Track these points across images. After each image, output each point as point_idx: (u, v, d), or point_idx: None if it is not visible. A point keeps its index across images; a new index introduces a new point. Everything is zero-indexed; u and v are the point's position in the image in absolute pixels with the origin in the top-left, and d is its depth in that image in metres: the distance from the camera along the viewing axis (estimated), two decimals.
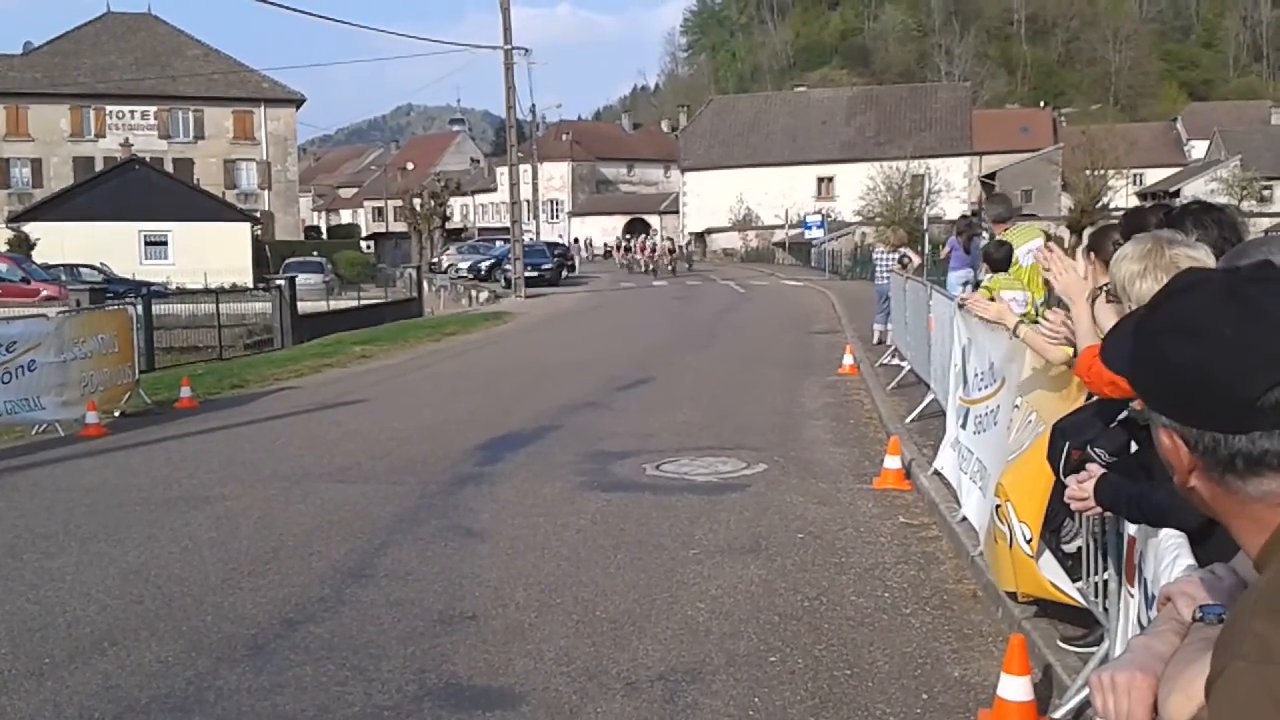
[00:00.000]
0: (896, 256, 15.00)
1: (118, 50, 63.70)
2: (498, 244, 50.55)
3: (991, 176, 70.79)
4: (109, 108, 62.51)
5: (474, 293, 38.36)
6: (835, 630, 5.32)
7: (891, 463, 8.29)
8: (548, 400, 13.20)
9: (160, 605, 5.95)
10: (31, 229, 46.09)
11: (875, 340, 17.17)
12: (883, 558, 6.50)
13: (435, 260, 51.96)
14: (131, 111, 62.98)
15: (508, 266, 38.63)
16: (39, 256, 42.18)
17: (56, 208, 49.23)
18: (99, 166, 57.33)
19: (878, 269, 17.51)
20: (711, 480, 8.71)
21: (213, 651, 5.24)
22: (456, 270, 47.47)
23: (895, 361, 13.97)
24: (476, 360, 18.59)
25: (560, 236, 72.13)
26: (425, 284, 39.49)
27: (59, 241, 43.46)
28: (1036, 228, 9.96)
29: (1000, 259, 8.47)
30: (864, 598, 5.79)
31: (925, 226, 37.56)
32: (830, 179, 72.94)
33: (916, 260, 11.94)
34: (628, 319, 27.03)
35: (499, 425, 11.41)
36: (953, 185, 61.33)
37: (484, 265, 46.34)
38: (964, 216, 12.30)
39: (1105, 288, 4.44)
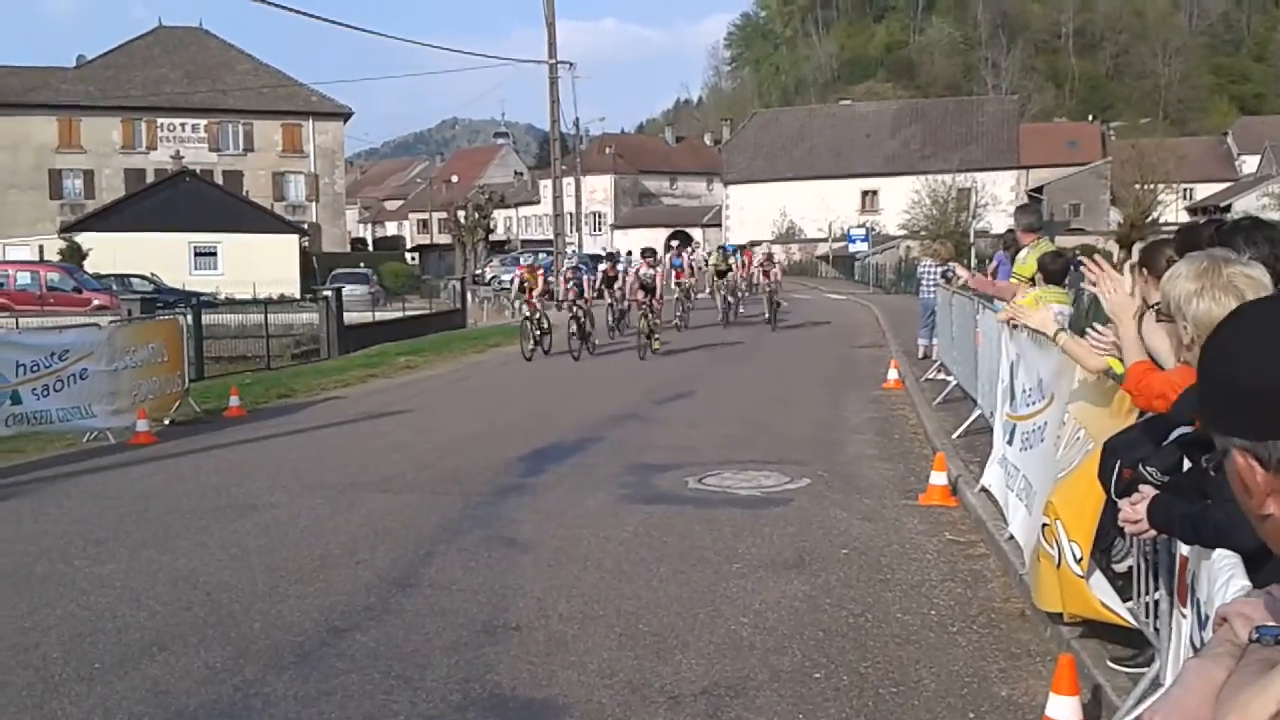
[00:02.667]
0: (943, 270, 14.90)
1: (169, 64, 64.77)
2: (540, 256, 50.79)
3: (1039, 190, 70.14)
4: (160, 120, 63.56)
5: (517, 304, 38.48)
6: (881, 647, 5.27)
7: (937, 479, 8.21)
8: (589, 412, 13.22)
9: (209, 612, 6.02)
10: (83, 239, 46.94)
11: (920, 355, 17.06)
12: (929, 575, 6.44)
13: (479, 272, 52.35)
14: (182, 124, 64.01)
15: (551, 279, 38.66)
16: (90, 266, 42.90)
17: (108, 218, 50.13)
18: (150, 178, 58.29)
19: (923, 283, 17.41)
20: (754, 494, 8.68)
21: (260, 659, 5.29)
22: (500, 282, 47.72)
23: (941, 376, 13.86)
24: (519, 372, 18.65)
25: (603, 249, 72.30)
26: (469, 296, 39.72)
27: (110, 252, 44.23)
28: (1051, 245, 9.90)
29: (1056, 271, 8.34)
30: (910, 615, 5.74)
31: (971, 240, 37.28)
32: (875, 192, 72.69)
33: (964, 275, 11.83)
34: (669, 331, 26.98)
35: (541, 436, 11.44)
36: (999, 199, 60.93)
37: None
38: (1011, 230, 12.18)
39: (1156, 305, 4.39)
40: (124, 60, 64.74)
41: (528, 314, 20.39)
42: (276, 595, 6.30)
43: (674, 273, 25.75)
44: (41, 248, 47.88)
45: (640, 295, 19.84)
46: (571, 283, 21.25)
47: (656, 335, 19.45)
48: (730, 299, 27.15)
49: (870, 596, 6.05)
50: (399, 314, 34.89)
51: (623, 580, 6.46)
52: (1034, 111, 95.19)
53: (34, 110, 60.84)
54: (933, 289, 16.35)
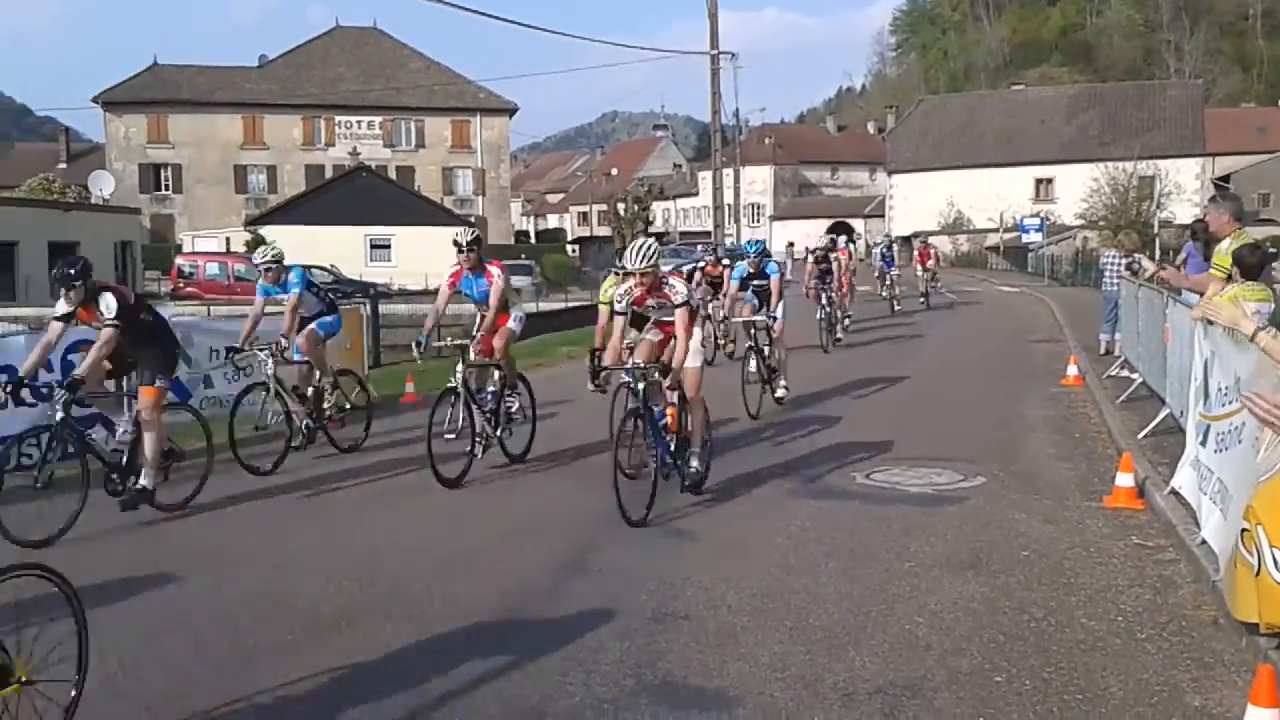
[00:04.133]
0: (1127, 262, 14.23)
1: (346, 63, 67.45)
2: (699, 248, 50.86)
3: (1225, 179, 66.51)
4: (338, 118, 66.32)
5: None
6: (1064, 653, 5.09)
7: (1124, 480, 7.87)
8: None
9: (391, 589, 6.24)
10: (267, 232, 49.23)
11: (1102, 351, 16.37)
12: (1115, 580, 6.18)
13: None
14: (358, 121, 66.63)
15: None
16: None
17: (289, 212, 52.57)
18: (328, 174, 60.91)
19: (1106, 275, 16.67)
20: (926, 492, 8.49)
21: (441, 636, 5.45)
22: None
23: (1125, 373, 13.27)
24: None
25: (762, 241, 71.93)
26: None
27: (292, 244, 46.23)
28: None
29: (1254, 265, 7.81)
30: (1095, 621, 5.52)
31: (1155, 230, 35.58)
32: (1049, 180, 70.12)
33: (1151, 268, 11.28)
34: None
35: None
36: (1183, 188, 57.84)
37: (686, 269, 46.59)
38: (1200, 220, 11.55)
39: None
40: (303, 60, 67.74)
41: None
42: (454, 576, 6.49)
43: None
44: (228, 240, 50.56)
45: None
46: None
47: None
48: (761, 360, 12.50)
49: (1053, 600, 5.84)
50: (561, 305, 35.45)
51: (791, 574, 6.41)
52: (1219, 96, 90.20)
53: (220, 108, 64.34)
54: (1116, 281, 15.65)
